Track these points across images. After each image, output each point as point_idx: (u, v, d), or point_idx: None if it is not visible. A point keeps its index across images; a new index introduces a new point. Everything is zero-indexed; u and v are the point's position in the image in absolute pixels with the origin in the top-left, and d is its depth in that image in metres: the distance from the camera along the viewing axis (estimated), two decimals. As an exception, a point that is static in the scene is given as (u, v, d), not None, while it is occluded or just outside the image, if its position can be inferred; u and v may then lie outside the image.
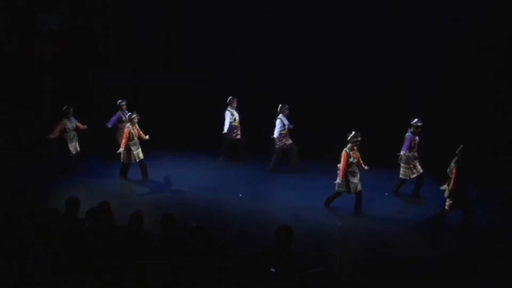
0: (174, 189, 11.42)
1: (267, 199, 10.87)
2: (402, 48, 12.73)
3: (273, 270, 5.68)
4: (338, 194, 10.00)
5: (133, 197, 10.86)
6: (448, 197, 9.00)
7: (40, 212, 6.85)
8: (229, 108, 12.81)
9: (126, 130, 11.34)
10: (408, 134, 10.49)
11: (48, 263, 5.76)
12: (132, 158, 11.47)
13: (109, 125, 12.52)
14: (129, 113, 11.69)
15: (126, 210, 7.03)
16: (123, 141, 11.30)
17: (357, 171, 9.75)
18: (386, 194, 10.98)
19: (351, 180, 9.70)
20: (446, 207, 9.08)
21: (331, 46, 13.29)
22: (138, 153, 11.52)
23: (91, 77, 14.21)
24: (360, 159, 9.81)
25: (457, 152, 8.92)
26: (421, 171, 10.59)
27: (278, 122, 12.08)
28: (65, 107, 11.84)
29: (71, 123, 11.91)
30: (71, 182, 11.46)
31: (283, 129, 12.13)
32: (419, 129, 10.47)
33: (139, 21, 14.59)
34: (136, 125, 11.46)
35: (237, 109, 12.95)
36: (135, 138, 11.43)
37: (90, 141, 12.43)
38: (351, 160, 9.64)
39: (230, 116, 12.75)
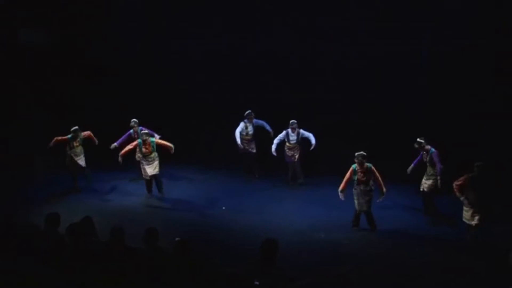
0: (158, 204, 11.35)
1: (251, 212, 10.82)
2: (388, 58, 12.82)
3: (257, 283, 5.64)
4: (369, 213, 9.79)
5: (117, 212, 10.76)
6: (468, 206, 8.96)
7: (21, 228, 6.76)
8: (245, 120, 12.67)
9: (135, 142, 11.34)
10: (432, 152, 10.29)
11: (29, 278, 5.66)
12: (144, 173, 11.47)
13: (117, 145, 12.08)
14: (144, 130, 11.65)
15: (110, 225, 6.93)
16: (127, 148, 11.25)
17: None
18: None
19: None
20: (475, 222, 8.91)
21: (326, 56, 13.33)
22: (145, 168, 11.41)
23: (75, 90, 14.03)
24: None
25: (475, 165, 8.86)
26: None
27: (283, 134, 12.12)
28: (75, 128, 11.65)
29: (78, 142, 11.76)
30: (56, 197, 11.44)
31: (289, 144, 12.15)
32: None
33: (123, 32, 14.49)
34: (152, 140, 11.35)
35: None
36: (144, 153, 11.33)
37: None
38: (354, 177, 9.60)
39: (241, 128, 12.60)
